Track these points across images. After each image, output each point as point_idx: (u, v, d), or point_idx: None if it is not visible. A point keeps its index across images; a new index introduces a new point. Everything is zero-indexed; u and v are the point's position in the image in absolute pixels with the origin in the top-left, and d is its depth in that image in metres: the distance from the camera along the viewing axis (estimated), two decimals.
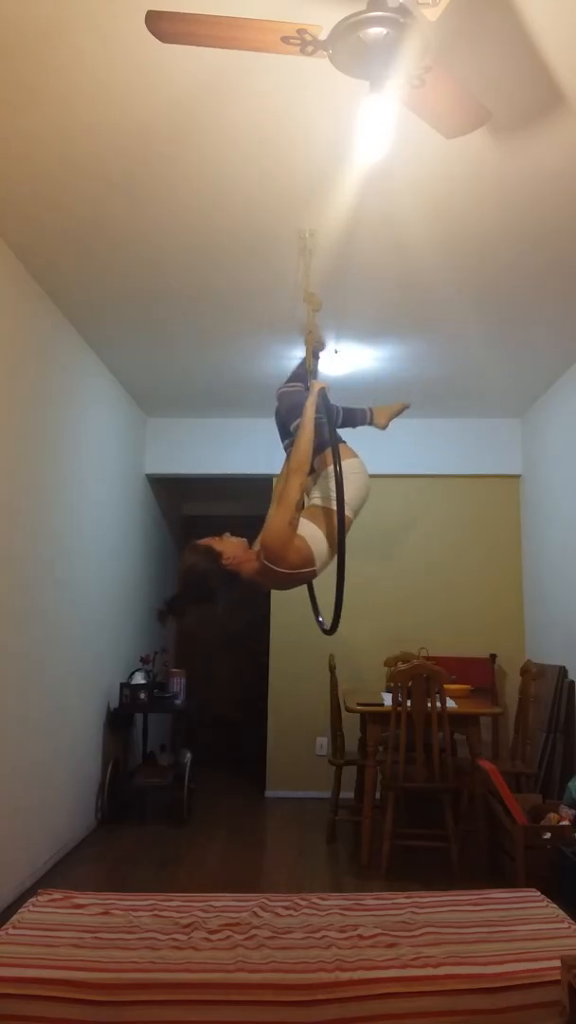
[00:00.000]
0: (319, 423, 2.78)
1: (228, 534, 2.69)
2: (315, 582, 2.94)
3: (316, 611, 3.22)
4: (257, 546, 2.64)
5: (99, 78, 2.43)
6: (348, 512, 2.74)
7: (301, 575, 2.64)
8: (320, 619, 3.15)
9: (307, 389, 2.98)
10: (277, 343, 4.58)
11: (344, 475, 2.71)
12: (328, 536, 2.68)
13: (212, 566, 2.58)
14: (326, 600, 2.99)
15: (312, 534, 2.66)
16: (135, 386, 5.43)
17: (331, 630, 2.90)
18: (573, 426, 4.89)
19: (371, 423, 3.26)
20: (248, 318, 4.24)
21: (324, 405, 2.85)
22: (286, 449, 2.98)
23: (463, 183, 2.95)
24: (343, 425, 3.08)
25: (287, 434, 2.99)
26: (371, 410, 3.26)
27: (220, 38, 1.94)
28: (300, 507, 2.60)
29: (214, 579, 2.59)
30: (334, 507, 2.71)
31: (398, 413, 3.35)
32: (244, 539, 2.69)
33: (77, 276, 3.77)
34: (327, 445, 2.79)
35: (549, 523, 5.34)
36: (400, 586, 5.94)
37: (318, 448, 2.79)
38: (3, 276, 3.48)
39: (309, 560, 2.61)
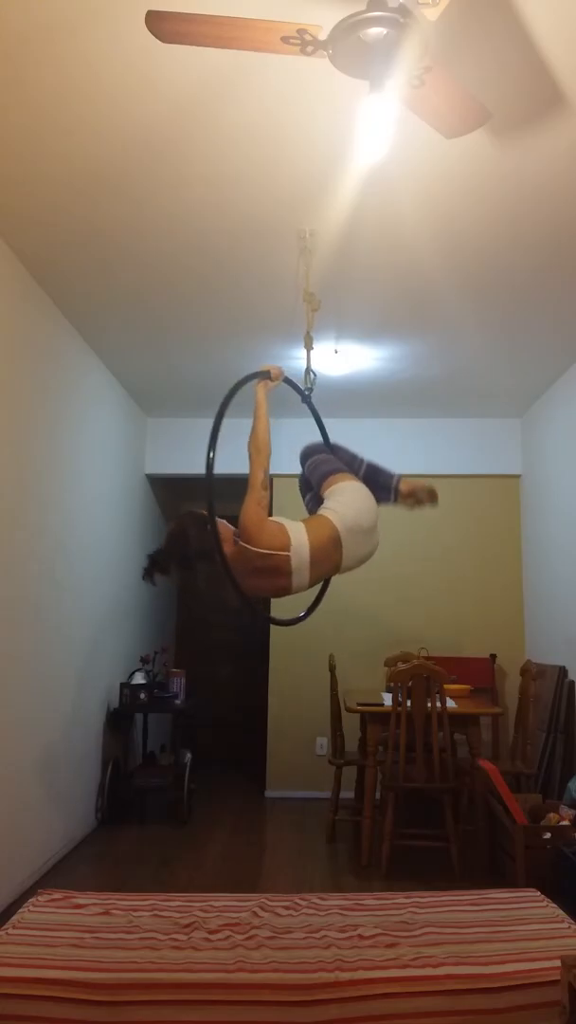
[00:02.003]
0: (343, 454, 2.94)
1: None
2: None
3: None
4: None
5: (100, 79, 2.43)
6: (339, 524, 2.75)
7: (273, 559, 2.66)
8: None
9: (330, 450, 3.06)
10: (277, 343, 4.58)
11: (349, 491, 2.82)
12: (314, 545, 2.70)
13: (199, 532, 2.70)
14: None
15: (296, 529, 2.72)
16: (135, 386, 5.43)
17: (290, 621, 2.99)
18: (573, 426, 4.89)
19: (396, 487, 3.04)
20: (248, 318, 4.24)
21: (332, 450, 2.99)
22: (307, 504, 3.07)
23: (463, 183, 2.95)
24: (365, 480, 2.96)
25: (309, 489, 3.05)
26: (400, 476, 3.06)
27: (220, 38, 1.94)
28: (266, 486, 2.73)
29: (197, 543, 2.70)
30: (333, 521, 2.74)
31: (426, 492, 3.05)
32: (233, 528, 2.79)
33: (77, 276, 3.77)
34: (331, 473, 2.90)
35: (549, 523, 5.34)
36: (400, 586, 5.94)
37: (323, 476, 2.91)
38: (4, 277, 3.48)
39: (283, 546, 2.66)
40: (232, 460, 6.47)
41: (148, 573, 2.79)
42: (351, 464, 2.99)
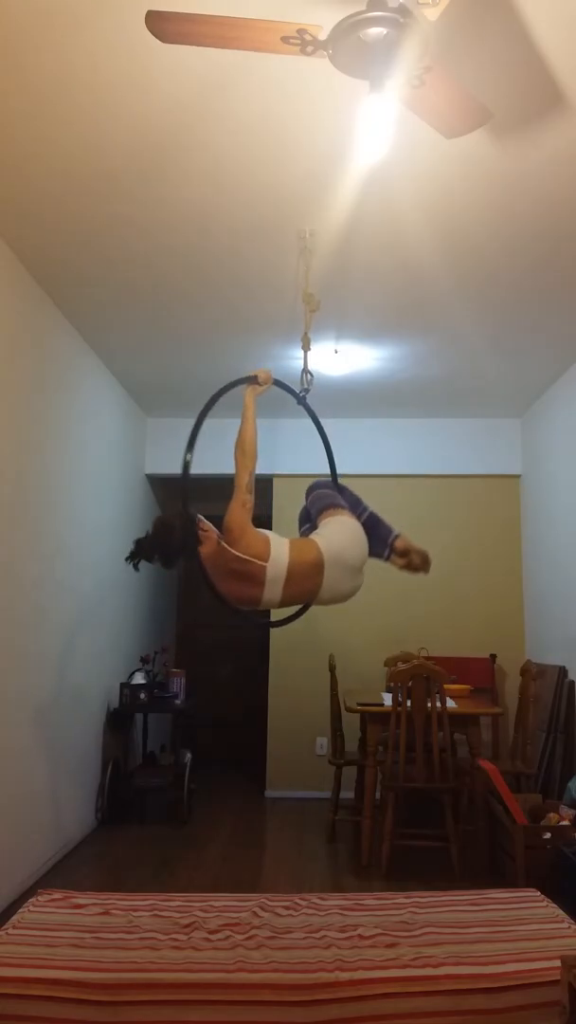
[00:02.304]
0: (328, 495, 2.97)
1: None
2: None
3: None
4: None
5: (100, 78, 2.43)
6: (325, 551, 2.76)
7: (249, 565, 2.69)
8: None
9: (338, 490, 3.07)
10: (277, 343, 4.58)
11: (343, 525, 2.86)
12: (293, 561, 2.72)
13: (184, 525, 2.79)
14: None
15: (280, 544, 2.76)
16: (135, 386, 5.43)
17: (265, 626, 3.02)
18: (573, 426, 4.89)
19: (392, 543, 3.03)
20: (248, 318, 4.24)
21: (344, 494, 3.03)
22: (302, 534, 3.09)
23: (463, 183, 2.95)
24: (364, 528, 2.97)
25: (308, 520, 3.07)
26: (398, 534, 3.07)
27: (220, 38, 1.94)
28: (251, 490, 2.77)
29: (180, 536, 2.78)
30: (320, 546, 2.76)
31: (420, 556, 3.05)
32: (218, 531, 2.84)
33: (77, 276, 3.77)
34: (331, 506, 2.94)
35: (549, 523, 5.34)
36: (400, 586, 5.93)
37: (323, 508, 2.96)
38: (4, 277, 3.48)
39: (261, 555, 2.70)
40: (232, 460, 6.46)
41: (132, 557, 2.88)
42: (354, 507, 3.01)
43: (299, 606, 3.01)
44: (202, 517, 2.86)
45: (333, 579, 2.78)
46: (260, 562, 2.69)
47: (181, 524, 2.80)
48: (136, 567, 2.89)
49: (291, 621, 3.14)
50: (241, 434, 2.86)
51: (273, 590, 2.72)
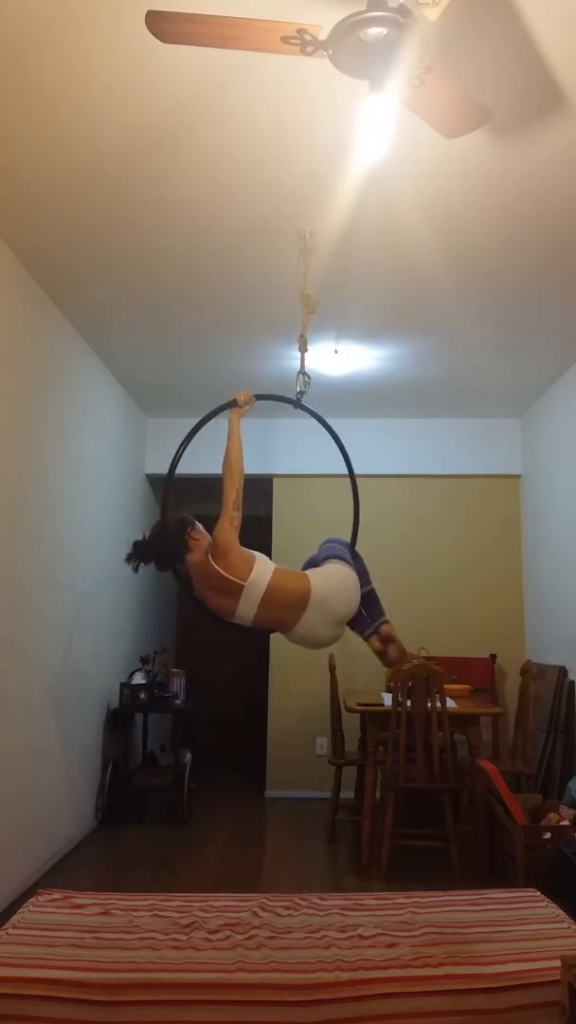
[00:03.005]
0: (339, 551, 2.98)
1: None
2: None
3: None
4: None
5: (100, 77, 2.43)
6: (314, 587, 2.76)
7: (226, 583, 2.73)
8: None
9: (351, 552, 3.07)
10: (277, 343, 4.58)
11: (343, 575, 2.87)
12: (274, 586, 2.73)
13: (178, 529, 2.86)
14: None
15: (263, 565, 2.78)
16: (135, 386, 5.43)
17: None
18: (573, 426, 4.89)
19: (379, 625, 3.01)
20: (248, 318, 4.24)
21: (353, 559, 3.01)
22: None
23: (463, 183, 2.95)
24: (362, 600, 2.95)
25: (313, 565, 3.03)
26: (387, 620, 3.04)
27: (220, 38, 1.94)
28: (238, 507, 2.80)
29: (173, 539, 2.86)
30: (312, 581, 2.78)
31: (398, 651, 3.03)
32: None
33: (77, 276, 3.77)
34: (339, 558, 2.95)
35: (549, 523, 5.34)
36: (400, 586, 5.94)
37: (330, 556, 2.97)
38: (4, 277, 3.48)
39: (241, 576, 2.73)
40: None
41: (131, 558, 2.95)
42: (360, 575, 2.99)
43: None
44: (198, 524, 2.91)
45: (313, 618, 2.78)
46: (239, 581, 2.73)
47: (179, 529, 2.87)
48: (135, 569, 2.94)
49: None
50: (227, 454, 2.89)
51: (247, 606, 2.75)
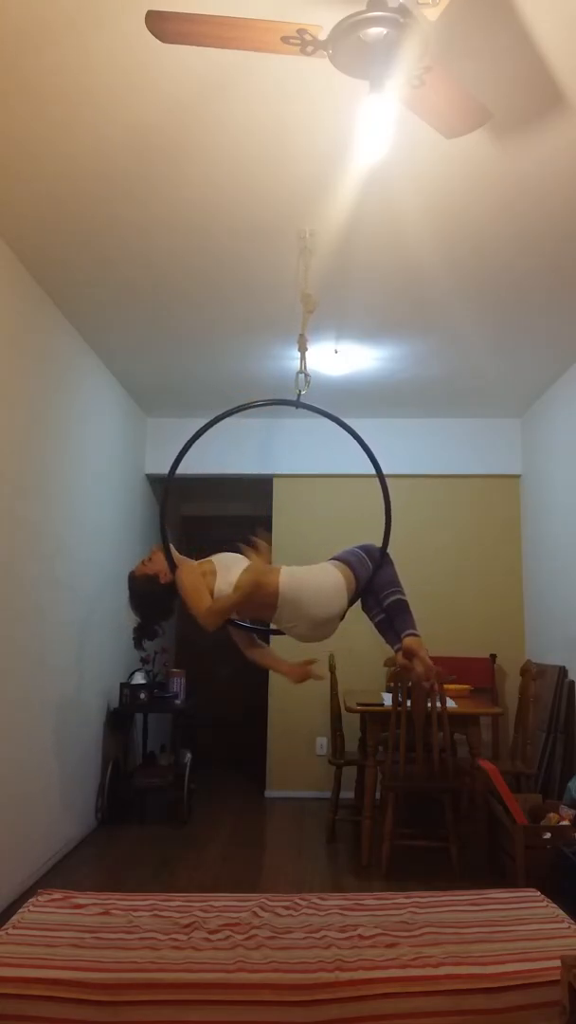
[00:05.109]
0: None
1: (154, 547, 3.02)
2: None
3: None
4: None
5: (100, 77, 2.43)
6: (283, 582, 2.75)
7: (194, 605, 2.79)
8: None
9: (379, 562, 2.95)
10: (277, 343, 4.58)
11: (319, 571, 2.84)
12: (243, 600, 2.71)
13: (152, 587, 2.92)
14: None
15: (223, 579, 2.78)
16: (135, 386, 5.43)
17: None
18: (573, 426, 4.89)
19: (402, 638, 2.86)
20: (248, 318, 4.24)
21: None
22: (371, 615, 2.99)
23: (463, 183, 2.95)
24: (387, 611, 2.89)
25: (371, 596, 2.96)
26: (413, 633, 2.88)
27: (220, 38, 1.94)
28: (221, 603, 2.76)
29: (159, 598, 2.93)
30: (281, 577, 2.76)
31: (424, 665, 2.83)
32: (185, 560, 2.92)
33: (77, 276, 3.77)
34: (339, 557, 2.91)
35: (549, 523, 5.34)
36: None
37: (335, 557, 2.93)
38: (4, 277, 3.48)
39: (202, 602, 2.76)
40: (233, 460, 6.49)
41: (138, 643, 3.07)
42: (386, 585, 2.90)
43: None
44: (155, 554, 2.96)
45: (286, 618, 2.79)
46: (202, 606, 2.76)
47: (149, 587, 2.92)
48: (142, 648, 2.99)
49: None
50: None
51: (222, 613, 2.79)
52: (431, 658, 2.89)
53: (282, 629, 2.86)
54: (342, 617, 2.87)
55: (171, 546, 2.97)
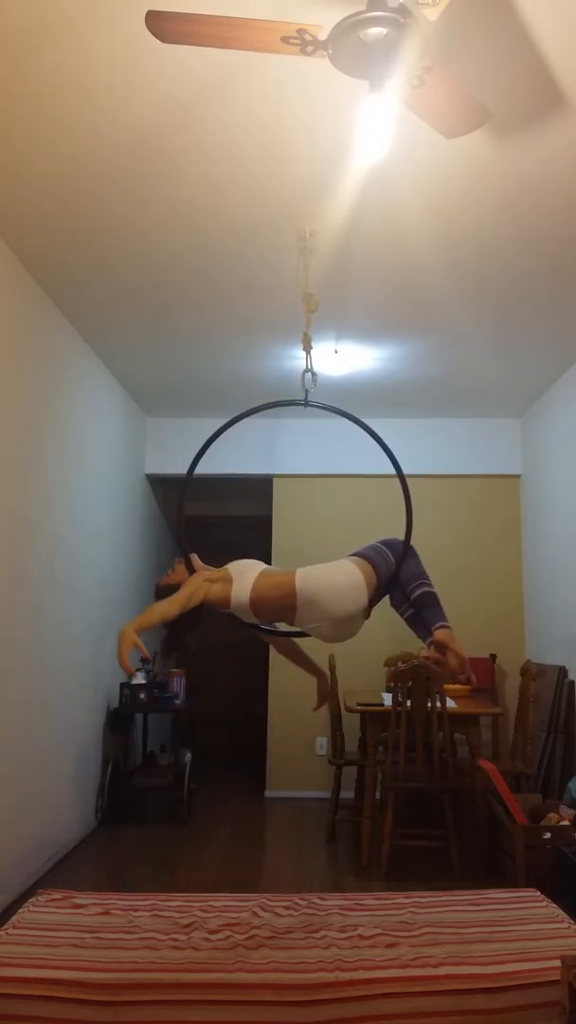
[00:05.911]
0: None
1: (177, 558, 2.93)
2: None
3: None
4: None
5: (100, 77, 2.43)
6: (299, 583, 2.67)
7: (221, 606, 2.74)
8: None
9: (402, 555, 2.84)
10: (277, 343, 4.58)
11: (333, 569, 2.74)
12: (258, 599, 2.67)
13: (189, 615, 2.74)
14: None
15: (241, 582, 2.69)
16: (135, 386, 5.43)
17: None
18: (573, 426, 4.89)
19: (433, 631, 2.76)
20: (248, 318, 4.24)
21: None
22: (400, 611, 2.89)
23: (463, 183, 2.95)
24: (414, 604, 2.80)
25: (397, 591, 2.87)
26: (444, 625, 2.78)
27: (220, 38, 1.94)
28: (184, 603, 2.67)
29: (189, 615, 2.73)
30: (296, 579, 2.67)
31: (458, 658, 2.73)
32: (202, 570, 2.84)
33: (77, 276, 3.77)
34: (357, 552, 2.81)
35: (549, 523, 5.34)
36: None
37: (355, 552, 2.83)
38: (4, 277, 3.48)
39: (225, 602, 2.70)
40: (233, 460, 6.49)
41: (168, 654, 2.84)
42: (413, 578, 2.81)
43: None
44: (178, 566, 2.89)
45: (307, 619, 2.69)
46: (224, 609, 2.72)
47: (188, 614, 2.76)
48: (175, 657, 2.91)
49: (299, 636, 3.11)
50: (173, 605, 2.66)
51: (247, 617, 2.74)
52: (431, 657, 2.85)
53: (307, 631, 2.78)
54: (367, 615, 2.78)
55: (194, 555, 2.91)
